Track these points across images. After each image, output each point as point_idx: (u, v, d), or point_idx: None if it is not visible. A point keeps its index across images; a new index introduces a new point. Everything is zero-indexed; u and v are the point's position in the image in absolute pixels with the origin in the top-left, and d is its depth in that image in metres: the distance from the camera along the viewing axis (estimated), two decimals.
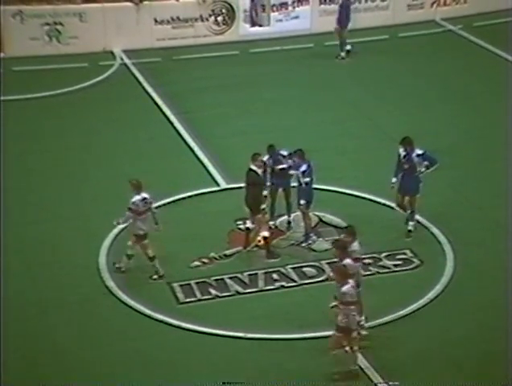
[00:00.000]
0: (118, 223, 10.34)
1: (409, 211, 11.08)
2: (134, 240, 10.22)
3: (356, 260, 9.15)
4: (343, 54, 17.36)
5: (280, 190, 11.33)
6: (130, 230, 10.29)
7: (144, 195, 10.19)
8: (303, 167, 10.71)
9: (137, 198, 10.11)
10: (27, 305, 9.96)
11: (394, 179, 10.97)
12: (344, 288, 8.61)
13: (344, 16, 17.22)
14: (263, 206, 10.71)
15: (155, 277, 10.30)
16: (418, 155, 10.77)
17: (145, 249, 10.26)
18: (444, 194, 12.44)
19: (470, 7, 19.55)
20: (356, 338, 8.75)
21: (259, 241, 10.92)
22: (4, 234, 11.09)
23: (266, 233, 10.42)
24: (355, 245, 9.26)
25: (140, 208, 10.10)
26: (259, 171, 10.67)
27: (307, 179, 10.70)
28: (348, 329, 8.67)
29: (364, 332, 9.21)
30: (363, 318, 9.32)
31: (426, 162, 10.84)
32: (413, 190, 10.91)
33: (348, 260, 8.98)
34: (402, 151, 10.82)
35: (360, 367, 8.95)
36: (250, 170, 10.67)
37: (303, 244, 10.97)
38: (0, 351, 9.09)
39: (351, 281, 8.69)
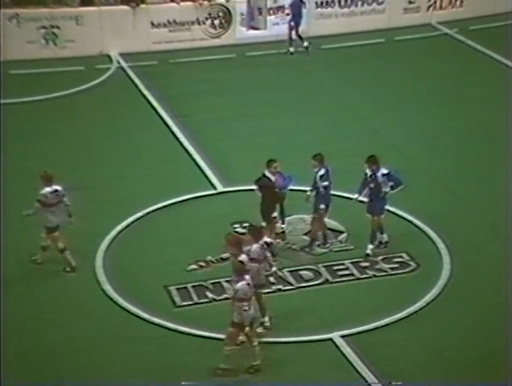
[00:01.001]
0: (28, 215, 10.28)
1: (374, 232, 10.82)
2: (45, 232, 10.26)
3: (252, 260, 9.21)
4: (291, 49, 17.77)
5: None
6: (42, 222, 10.28)
7: (56, 187, 10.21)
8: (322, 171, 10.65)
9: (47, 190, 10.15)
10: (23, 309, 9.93)
11: (356, 195, 10.84)
12: (239, 284, 8.68)
13: (296, 15, 17.62)
14: (274, 214, 10.71)
15: (68, 269, 10.35)
16: (383, 175, 10.59)
17: (55, 241, 10.29)
18: (440, 197, 12.46)
19: (466, 11, 19.61)
20: (254, 334, 8.81)
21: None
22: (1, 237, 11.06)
23: (268, 239, 10.33)
24: (255, 247, 9.33)
25: (49, 200, 10.11)
26: (273, 178, 10.63)
27: (326, 183, 10.62)
28: (242, 324, 8.70)
29: (260, 330, 9.28)
30: (266, 318, 9.45)
31: (391, 183, 10.66)
32: (377, 210, 10.71)
33: (244, 256, 9.01)
34: (368, 170, 10.65)
35: (355, 368, 8.94)
36: (264, 176, 10.67)
37: (307, 249, 10.88)
38: (0, 352, 9.07)
39: (247, 278, 8.72)
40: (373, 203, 10.67)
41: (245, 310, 8.69)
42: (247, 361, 8.93)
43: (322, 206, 10.74)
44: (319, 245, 11.03)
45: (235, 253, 9.16)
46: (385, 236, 10.96)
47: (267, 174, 10.66)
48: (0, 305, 9.81)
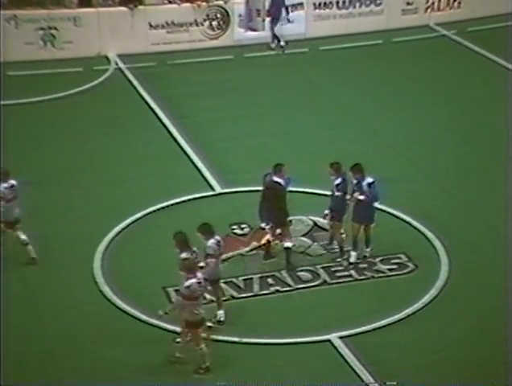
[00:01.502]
0: None
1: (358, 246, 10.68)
2: (4, 226, 10.37)
3: (208, 256, 9.27)
4: (273, 45, 17.97)
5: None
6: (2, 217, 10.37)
7: (12, 181, 10.28)
8: (338, 180, 10.50)
9: (3, 185, 10.20)
10: (21, 310, 9.92)
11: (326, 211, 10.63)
12: (188, 282, 8.65)
13: (275, 9, 17.76)
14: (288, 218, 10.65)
15: (30, 260, 10.49)
16: (369, 184, 10.44)
17: (16, 233, 10.39)
18: (438, 198, 12.47)
19: (464, 12, 19.64)
20: (202, 335, 8.83)
21: (264, 245, 10.93)
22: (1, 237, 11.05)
23: (289, 244, 10.33)
24: (211, 242, 9.36)
25: (7, 195, 10.18)
26: (282, 182, 10.45)
27: (340, 193, 10.46)
28: (195, 323, 8.72)
29: (209, 324, 9.29)
30: (221, 311, 9.52)
31: (370, 194, 10.43)
32: (368, 218, 10.56)
33: (184, 255, 8.99)
34: (353, 179, 10.48)
35: (354, 370, 8.95)
36: (275, 182, 10.46)
37: (338, 259, 10.72)
38: (0, 352, 9.06)
39: (199, 276, 8.71)
40: (363, 211, 10.46)
41: (197, 309, 8.69)
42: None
43: (326, 211, 10.54)
44: (326, 247, 10.91)
45: (180, 251, 9.14)
46: (368, 249, 10.75)
47: (276, 179, 10.44)
48: (0, 305, 9.79)
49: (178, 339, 9.08)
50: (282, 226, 10.55)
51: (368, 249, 10.79)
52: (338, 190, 10.51)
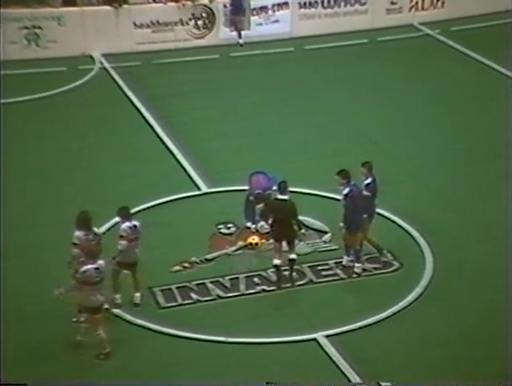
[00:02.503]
0: None
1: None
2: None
3: (120, 238, 9.46)
4: (241, 41, 18.11)
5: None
6: None
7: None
8: (368, 180, 10.44)
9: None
10: (7, 312, 9.84)
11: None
12: (84, 267, 8.72)
13: (234, 8, 17.83)
14: (303, 231, 10.48)
15: None
16: (345, 195, 10.32)
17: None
18: (424, 196, 12.55)
19: (447, 12, 19.77)
20: (100, 321, 8.93)
21: (250, 244, 10.93)
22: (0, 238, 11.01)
23: (294, 256, 10.20)
24: (124, 225, 9.57)
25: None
26: (289, 197, 10.21)
27: (369, 194, 10.39)
28: (92, 309, 8.82)
29: (106, 306, 9.39)
30: (138, 294, 9.77)
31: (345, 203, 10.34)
32: (356, 226, 10.38)
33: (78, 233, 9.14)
34: (346, 190, 10.34)
35: (339, 368, 8.99)
36: (284, 200, 10.15)
37: (357, 265, 10.51)
38: (0, 353, 9.00)
39: (99, 263, 8.80)
40: (356, 218, 10.32)
41: (94, 295, 8.74)
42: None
43: (363, 215, 10.39)
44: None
45: (76, 228, 9.33)
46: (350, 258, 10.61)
47: (285, 197, 10.16)
48: (1, 306, 9.72)
49: (74, 319, 9.20)
50: (293, 244, 10.36)
51: (358, 265, 10.65)
52: (367, 190, 10.33)
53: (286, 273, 10.34)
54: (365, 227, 10.52)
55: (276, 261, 10.24)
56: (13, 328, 9.53)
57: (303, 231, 10.47)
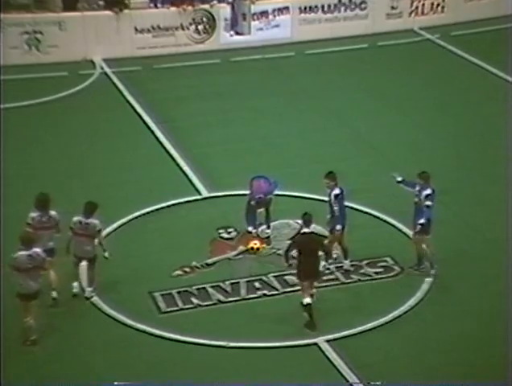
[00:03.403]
0: None
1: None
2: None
3: (76, 234, 9.66)
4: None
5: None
6: None
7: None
8: (428, 191, 10.41)
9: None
10: (5, 315, 9.85)
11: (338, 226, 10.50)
12: (17, 253, 8.82)
13: None
14: (330, 261, 10.12)
15: None
16: (335, 195, 10.40)
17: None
18: None
19: (447, 17, 19.82)
20: (31, 308, 9.02)
21: (251, 249, 10.93)
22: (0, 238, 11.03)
23: (308, 300, 9.61)
24: (75, 219, 9.77)
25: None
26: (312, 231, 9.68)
27: (430, 203, 10.40)
28: (22, 295, 8.90)
29: (54, 295, 9.65)
30: (75, 284, 9.83)
31: (336, 207, 10.41)
32: (344, 225, 10.55)
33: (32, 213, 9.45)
34: (337, 190, 10.41)
35: (340, 373, 8.99)
36: (310, 233, 9.61)
37: (416, 270, 10.57)
38: (0, 353, 9.03)
39: (35, 249, 8.89)
40: (329, 220, 10.50)
41: (22, 281, 8.82)
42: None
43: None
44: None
45: (36, 209, 9.64)
46: (347, 262, 10.68)
47: (310, 230, 9.63)
48: (0, 307, 9.74)
49: (26, 320, 9.24)
50: (318, 279, 9.76)
51: (347, 261, 10.74)
52: (427, 200, 10.33)
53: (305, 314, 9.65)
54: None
55: (307, 300, 9.56)
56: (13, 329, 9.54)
57: (330, 261, 10.11)
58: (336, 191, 10.42)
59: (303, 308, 9.63)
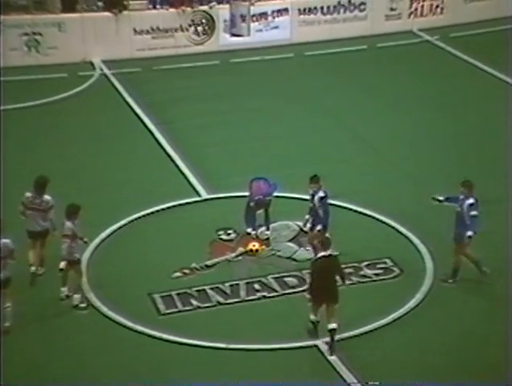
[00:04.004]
0: None
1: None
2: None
3: (63, 237, 9.74)
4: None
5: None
6: None
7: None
8: (471, 200, 10.28)
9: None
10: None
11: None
12: None
13: None
14: (347, 282, 9.57)
15: None
16: (320, 198, 10.40)
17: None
18: (423, 202, 12.53)
19: (446, 18, 19.85)
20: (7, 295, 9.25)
21: (250, 250, 10.93)
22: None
23: (334, 325, 9.21)
24: (68, 224, 9.77)
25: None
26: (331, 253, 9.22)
27: (475, 213, 10.28)
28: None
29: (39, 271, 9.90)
30: (77, 296, 9.85)
31: (320, 210, 10.41)
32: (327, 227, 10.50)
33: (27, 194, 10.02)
34: (310, 190, 10.42)
35: (340, 374, 8.98)
36: (328, 256, 9.13)
37: (450, 280, 10.47)
38: (0, 353, 9.02)
39: (5, 241, 9.18)
40: (311, 220, 10.51)
41: None
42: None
43: (469, 233, 10.26)
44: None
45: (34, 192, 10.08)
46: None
47: (327, 253, 9.17)
48: (0, 306, 9.73)
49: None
50: (335, 303, 9.25)
51: None
52: (472, 210, 10.16)
53: (326, 341, 9.26)
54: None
55: (312, 317, 9.31)
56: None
57: (347, 283, 9.64)
58: (321, 194, 10.47)
59: (311, 324, 9.38)
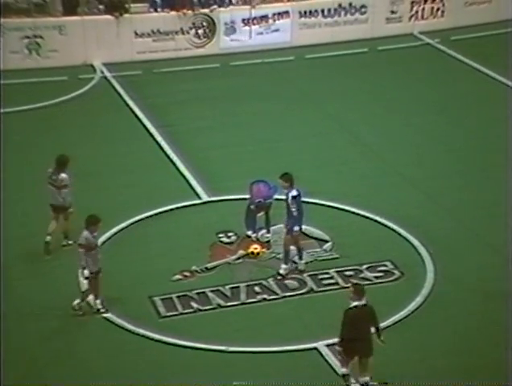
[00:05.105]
0: None
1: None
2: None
3: (78, 246, 9.78)
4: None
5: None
6: None
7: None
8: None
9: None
10: (6, 319, 9.84)
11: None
12: None
13: None
14: (382, 338, 8.60)
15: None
16: (293, 197, 10.31)
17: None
18: (424, 205, 12.55)
19: (447, 21, 19.86)
20: None
21: (251, 253, 10.92)
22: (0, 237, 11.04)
23: (367, 379, 8.67)
24: (85, 233, 9.77)
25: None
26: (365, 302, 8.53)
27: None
28: None
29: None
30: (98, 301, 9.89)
31: (293, 208, 10.30)
32: (289, 229, 10.43)
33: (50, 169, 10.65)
34: (294, 192, 10.33)
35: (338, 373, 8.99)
36: (363, 306, 8.45)
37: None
38: (0, 354, 9.01)
39: None
40: (287, 220, 10.44)
41: None
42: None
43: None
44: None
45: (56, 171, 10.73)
46: (302, 262, 10.63)
47: (360, 302, 8.47)
48: (1, 309, 9.71)
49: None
50: (369, 357, 8.56)
51: (302, 261, 10.67)
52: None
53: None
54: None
55: (343, 370, 8.70)
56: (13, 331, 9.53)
57: (382, 338, 8.64)
58: (294, 193, 10.38)
59: (342, 378, 8.78)
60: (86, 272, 9.68)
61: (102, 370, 9.18)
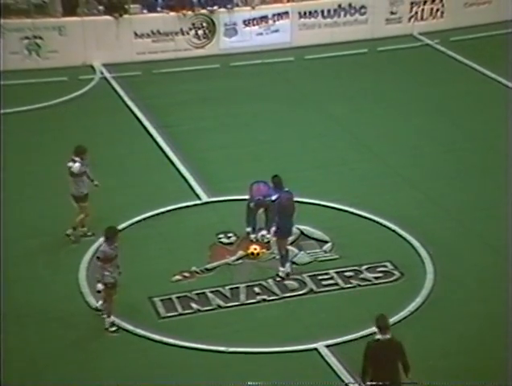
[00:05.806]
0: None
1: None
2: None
3: (96, 259, 9.80)
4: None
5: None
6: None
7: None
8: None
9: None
10: (5, 320, 9.84)
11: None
12: None
13: None
14: (409, 376, 7.83)
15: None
16: (272, 200, 10.46)
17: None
18: (424, 206, 12.56)
19: (447, 22, 19.87)
20: None
21: (251, 254, 10.92)
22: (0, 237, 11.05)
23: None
24: (103, 246, 9.73)
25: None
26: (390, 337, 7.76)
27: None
28: None
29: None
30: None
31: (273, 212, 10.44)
32: (287, 229, 10.56)
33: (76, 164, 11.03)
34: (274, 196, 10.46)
35: (340, 378, 8.98)
36: (387, 340, 7.66)
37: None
38: (0, 354, 9.00)
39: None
40: (284, 223, 10.48)
41: None
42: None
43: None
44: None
45: (72, 161, 11.20)
46: (287, 265, 10.59)
47: (385, 336, 7.73)
48: (1, 310, 9.71)
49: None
50: None
51: (283, 269, 10.58)
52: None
53: None
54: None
55: None
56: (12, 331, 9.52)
57: (410, 376, 7.87)
58: (273, 197, 10.48)
59: None
60: (100, 285, 9.55)
61: (102, 370, 9.17)
